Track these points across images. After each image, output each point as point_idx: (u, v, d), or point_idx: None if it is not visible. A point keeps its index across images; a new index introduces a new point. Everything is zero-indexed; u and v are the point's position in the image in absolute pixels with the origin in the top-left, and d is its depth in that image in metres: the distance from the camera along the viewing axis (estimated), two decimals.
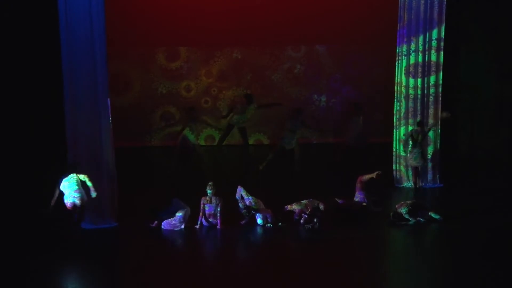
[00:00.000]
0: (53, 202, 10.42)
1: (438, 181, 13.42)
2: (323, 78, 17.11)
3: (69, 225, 10.73)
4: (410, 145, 12.96)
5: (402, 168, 13.42)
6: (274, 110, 16.12)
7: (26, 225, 10.95)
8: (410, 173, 13.31)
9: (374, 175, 11.77)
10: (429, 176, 13.32)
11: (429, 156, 13.24)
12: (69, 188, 10.42)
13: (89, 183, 10.45)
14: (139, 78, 16.77)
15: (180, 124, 15.21)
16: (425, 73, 13.04)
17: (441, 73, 13.02)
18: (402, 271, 9.46)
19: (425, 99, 13.14)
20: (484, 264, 9.46)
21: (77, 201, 10.46)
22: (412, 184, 13.22)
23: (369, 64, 16.81)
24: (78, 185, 10.46)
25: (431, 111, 13.17)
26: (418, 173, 13.17)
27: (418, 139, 12.87)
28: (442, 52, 12.94)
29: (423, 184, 13.30)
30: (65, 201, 10.46)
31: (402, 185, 13.41)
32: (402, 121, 13.29)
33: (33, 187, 11.41)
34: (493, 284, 8.74)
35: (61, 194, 10.44)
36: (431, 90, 13.12)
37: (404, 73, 13.14)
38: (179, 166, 14.28)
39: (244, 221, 11.20)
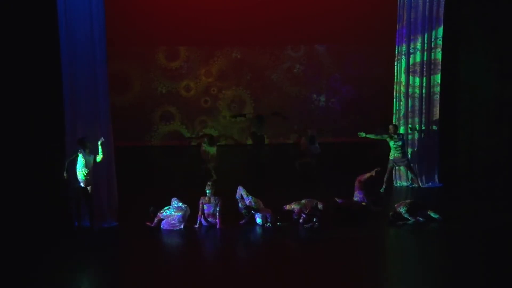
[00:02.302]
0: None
1: (437, 180, 13.49)
2: (323, 78, 17.20)
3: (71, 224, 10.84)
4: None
5: (402, 168, 13.48)
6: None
7: (26, 225, 10.94)
8: (408, 172, 13.38)
9: (373, 172, 11.87)
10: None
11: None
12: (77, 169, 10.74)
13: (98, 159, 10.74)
14: (139, 77, 16.88)
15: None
16: (425, 73, 13.12)
17: (439, 73, 13.12)
18: (402, 270, 9.45)
19: (425, 98, 13.22)
20: (484, 263, 9.47)
21: (81, 185, 10.69)
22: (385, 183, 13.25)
23: (369, 64, 16.91)
24: (84, 166, 10.67)
25: (430, 110, 13.25)
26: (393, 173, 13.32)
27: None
28: (441, 52, 13.03)
29: (422, 184, 13.39)
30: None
31: (401, 185, 13.51)
32: (402, 121, 13.38)
33: (32, 187, 11.36)
34: (493, 284, 8.74)
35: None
36: (431, 90, 13.21)
37: (404, 73, 13.22)
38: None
39: (243, 221, 11.23)
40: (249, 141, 15.99)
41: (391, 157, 13.07)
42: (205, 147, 14.45)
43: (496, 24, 13.16)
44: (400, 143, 12.98)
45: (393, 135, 12.98)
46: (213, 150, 14.43)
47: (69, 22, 10.70)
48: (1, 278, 9.01)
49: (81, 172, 10.72)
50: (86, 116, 10.94)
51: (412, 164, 13.29)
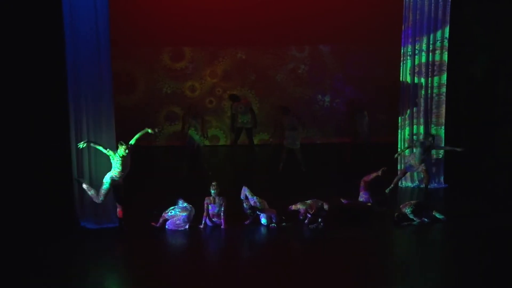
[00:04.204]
0: None
1: (442, 181, 13.47)
2: (327, 78, 17.21)
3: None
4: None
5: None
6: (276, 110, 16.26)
7: (29, 226, 10.95)
8: (415, 173, 13.34)
9: (379, 172, 11.87)
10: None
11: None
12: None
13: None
14: (144, 78, 16.91)
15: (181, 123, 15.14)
16: (430, 73, 13.10)
17: (445, 73, 13.09)
18: (407, 271, 9.45)
19: (430, 99, 13.21)
20: (489, 264, 9.47)
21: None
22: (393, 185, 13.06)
23: (373, 64, 16.89)
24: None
25: (436, 111, 13.25)
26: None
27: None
28: (446, 52, 13.00)
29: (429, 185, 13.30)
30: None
31: (406, 185, 13.48)
32: (407, 122, 13.35)
33: (34, 188, 11.34)
34: (498, 284, 8.76)
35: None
36: (436, 91, 13.20)
37: (409, 73, 13.19)
38: (188, 166, 14.34)
39: (248, 221, 11.26)
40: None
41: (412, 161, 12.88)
42: (191, 132, 14.25)
43: (500, 25, 13.14)
44: (419, 149, 12.72)
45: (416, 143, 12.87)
46: (197, 137, 14.22)
47: (74, 22, 10.72)
48: (2, 279, 9.04)
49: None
50: (91, 115, 10.97)
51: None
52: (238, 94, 16.56)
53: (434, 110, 13.26)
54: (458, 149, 12.57)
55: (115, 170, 10.68)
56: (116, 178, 10.70)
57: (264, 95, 17.11)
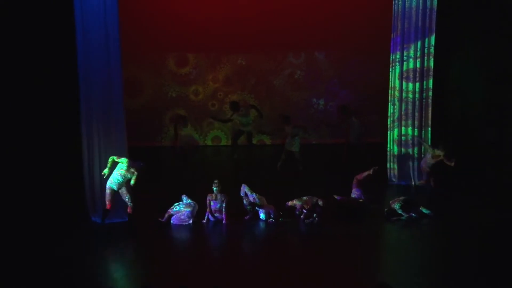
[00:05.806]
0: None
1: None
2: (322, 83, 17.33)
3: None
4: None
5: (396, 167, 13.81)
6: (277, 112, 16.51)
7: (40, 221, 11.21)
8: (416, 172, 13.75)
9: (370, 171, 12.14)
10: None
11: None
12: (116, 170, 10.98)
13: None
14: (151, 82, 17.02)
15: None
16: (417, 78, 13.37)
17: (431, 78, 13.36)
18: (397, 262, 9.82)
19: (417, 102, 13.47)
20: (471, 254, 9.90)
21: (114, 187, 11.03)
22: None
23: (364, 70, 17.01)
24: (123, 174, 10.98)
25: (423, 113, 13.53)
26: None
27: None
28: (433, 59, 13.27)
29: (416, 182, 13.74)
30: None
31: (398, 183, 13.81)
32: (396, 123, 13.67)
33: (47, 185, 11.67)
34: (484, 273, 9.20)
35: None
36: (423, 95, 13.45)
37: (398, 78, 13.46)
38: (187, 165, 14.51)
39: (248, 216, 11.59)
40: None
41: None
42: (185, 131, 14.47)
43: (485, 33, 13.33)
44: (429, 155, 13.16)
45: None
46: (196, 135, 14.47)
47: (86, 30, 11.04)
48: (12, 274, 9.23)
49: (117, 176, 11.00)
50: (101, 117, 11.32)
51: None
52: (237, 97, 16.70)
53: (422, 113, 13.49)
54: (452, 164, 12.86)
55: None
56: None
57: (263, 99, 17.25)
